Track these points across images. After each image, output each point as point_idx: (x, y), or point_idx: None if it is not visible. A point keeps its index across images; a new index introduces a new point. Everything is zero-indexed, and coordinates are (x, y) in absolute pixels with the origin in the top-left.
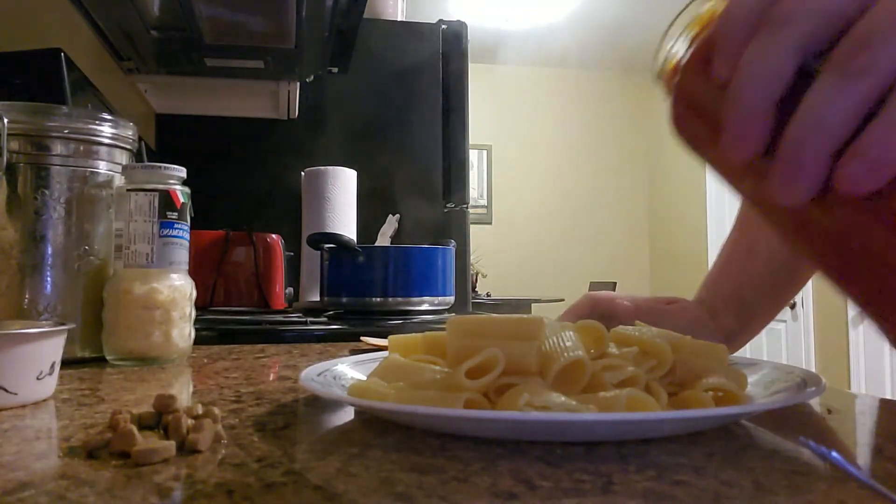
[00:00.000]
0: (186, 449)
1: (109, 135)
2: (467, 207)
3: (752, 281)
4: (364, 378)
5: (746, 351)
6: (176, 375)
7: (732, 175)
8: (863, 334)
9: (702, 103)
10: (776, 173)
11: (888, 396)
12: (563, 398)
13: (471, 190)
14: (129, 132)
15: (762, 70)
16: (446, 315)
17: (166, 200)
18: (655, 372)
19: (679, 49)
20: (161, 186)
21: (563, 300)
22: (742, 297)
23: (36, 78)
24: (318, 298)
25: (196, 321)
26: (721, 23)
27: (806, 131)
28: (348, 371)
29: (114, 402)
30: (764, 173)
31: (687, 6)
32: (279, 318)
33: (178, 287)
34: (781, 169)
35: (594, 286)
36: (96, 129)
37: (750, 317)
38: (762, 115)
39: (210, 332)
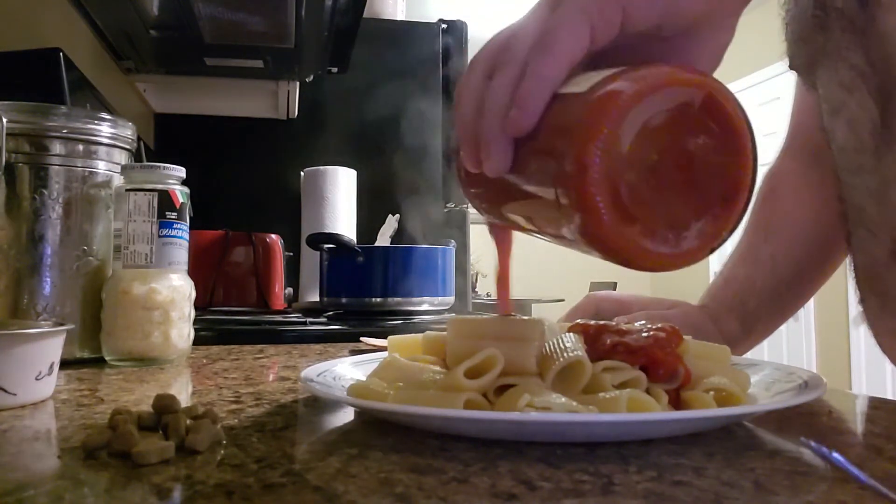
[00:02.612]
0: (186, 449)
1: (108, 135)
2: (467, 207)
3: (755, 291)
4: (364, 378)
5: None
6: (175, 376)
7: (484, 195)
8: (864, 335)
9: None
10: (481, 153)
11: (889, 397)
12: (563, 399)
13: None
14: (128, 132)
15: (462, 98)
16: (446, 315)
17: (165, 200)
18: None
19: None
20: (160, 186)
21: (563, 300)
22: (745, 305)
23: (35, 78)
24: (317, 298)
25: (195, 321)
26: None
27: (485, 113)
28: (348, 371)
29: (113, 402)
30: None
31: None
32: (278, 318)
33: (177, 287)
34: (481, 147)
35: (594, 286)
36: (95, 129)
37: (753, 324)
38: (469, 125)
39: (209, 332)
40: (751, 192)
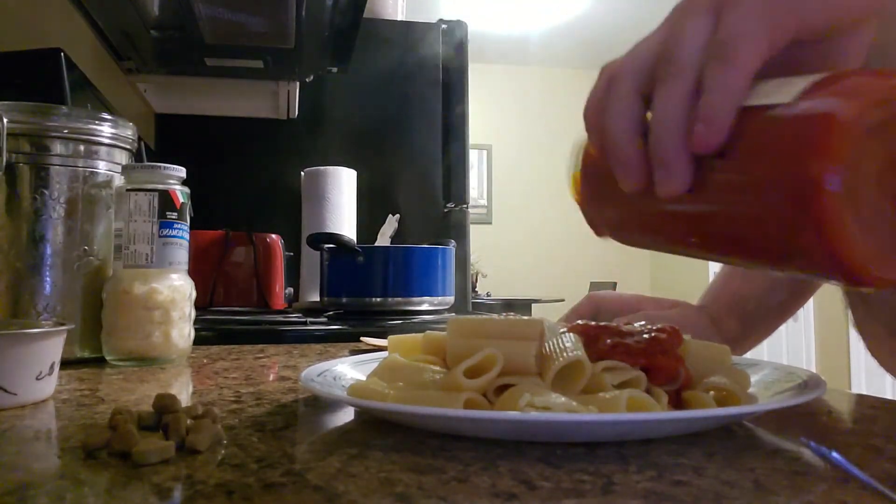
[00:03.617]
0: (186, 449)
1: (109, 135)
2: (467, 207)
3: (754, 291)
4: (364, 378)
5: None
6: (175, 376)
7: (639, 217)
8: None
9: (599, 181)
10: (656, 175)
11: (889, 396)
12: (563, 399)
13: (471, 190)
14: (129, 132)
15: (613, 116)
16: (446, 315)
17: (166, 200)
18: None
19: (574, 164)
20: (160, 186)
21: (563, 300)
22: (744, 305)
23: (36, 78)
24: (317, 298)
25: (196, 321)
26: (585, 115)
27: (657, 128)
28: (348, 371)
29: (113, 402)
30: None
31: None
32: (279, 318)
33: (177, 287)
34: (656, 167)
35: (594, 286)
36: (96, 129)
37: (752, 324)
38: (628, 144)
39: (210, 332)
40: None
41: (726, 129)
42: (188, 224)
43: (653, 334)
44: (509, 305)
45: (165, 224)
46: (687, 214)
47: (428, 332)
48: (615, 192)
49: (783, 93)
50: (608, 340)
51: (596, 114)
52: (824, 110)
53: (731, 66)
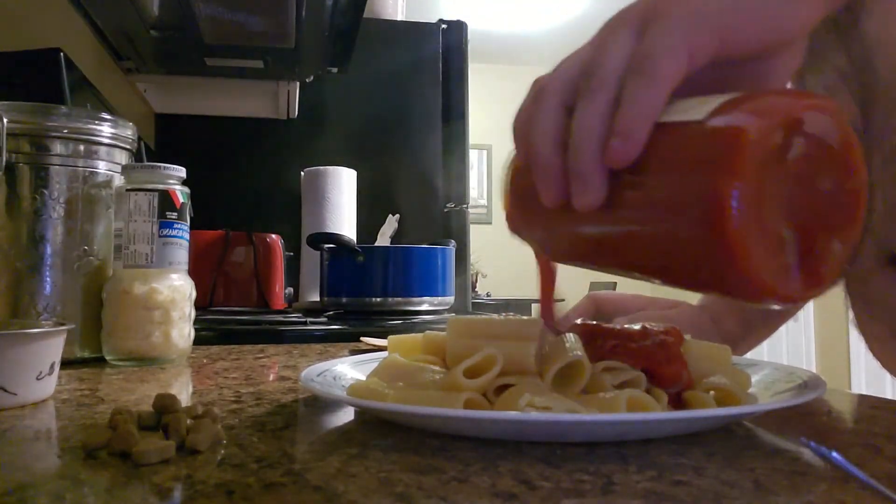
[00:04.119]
0: (186, 449)
1: (109, 135)
2: (467, 207)
3: None
4: (364, 378)
5: None
6: (175, 376)
7: (561, 233)
8: None
9: (526, 195)
10: (572, 187)
11: (889, 396)
12: (563, 399)
13: (471, 190)
14: (129, 132)
15: (537, 128)
16: (446, 315)
17: (166, 200)
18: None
19: (504, 180)
20: (160, 186)
21: (563, 300)
22: (744, 306)
23: (35, 78)
24: (317, 298)
25: (196, 321)
26: (513, 127)
27: (575, 141)
28: (348, 371)
29: (113, 402)
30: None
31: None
32: (279, 318)
33: (177, 287)
34: (573, 180)
35: (594, 286)
36: (96, 129)
37: (752, 325)
38: (549, 157)
39: (210, 332)
40: (866, 199)
41: (640, 143)
42: (188, 224)
43: (659, 338)
44: (509, 305)
45: (165, 224)
46: (604, 229)
47: (428, 332)
48: (540, 206)
49: (697, 110)
50: (609, 342)
51: (522, 126)
52: (730, 127)
53: (648, 80)
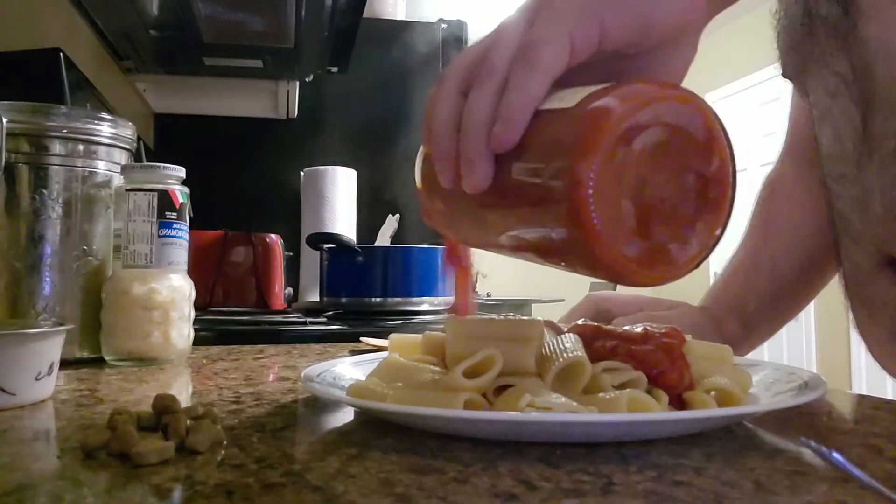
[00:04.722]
0: (185, 450)
1: (108, 134)
2: None
3: (755, 293)
4: (363, 378)
5: None
6: (175, 376)
7: (458, 214)
8: None
9: (431, 179)
10: (461, 170)
11: (889, 397)
12: (563, 399)
13: None
14: (128, 132)
15: (435, 114)
16: (446, 315)
17: (165, 200)
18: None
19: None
20: (160, 186)
21: (563, 300)
22: (745, 306)
23: (35, 77)
24: (317, 298)
25: (195, 321)
26: (423, 114)
27: (464, 126)
28: (348, 371)
29: (112, 402)
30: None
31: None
32: (278, 318)
33: (176, 287)
34: (462, 163)
35: (595, 287)
36: (95, 129)
37: (753, 326)
38: (444, 141)
39: (209, 332)
40: (734, 190)
41: (521, 128)
42: (187, 224)
43: (661, 341)
44: (510, 305)
45: (165, 224)
46: (490, 211)
47: (427, 332)
48: (444, 192)
49: (571, 98)
50: (609, 343)
51: (426, 111)
52: (592, 111)
53: (530, 68)
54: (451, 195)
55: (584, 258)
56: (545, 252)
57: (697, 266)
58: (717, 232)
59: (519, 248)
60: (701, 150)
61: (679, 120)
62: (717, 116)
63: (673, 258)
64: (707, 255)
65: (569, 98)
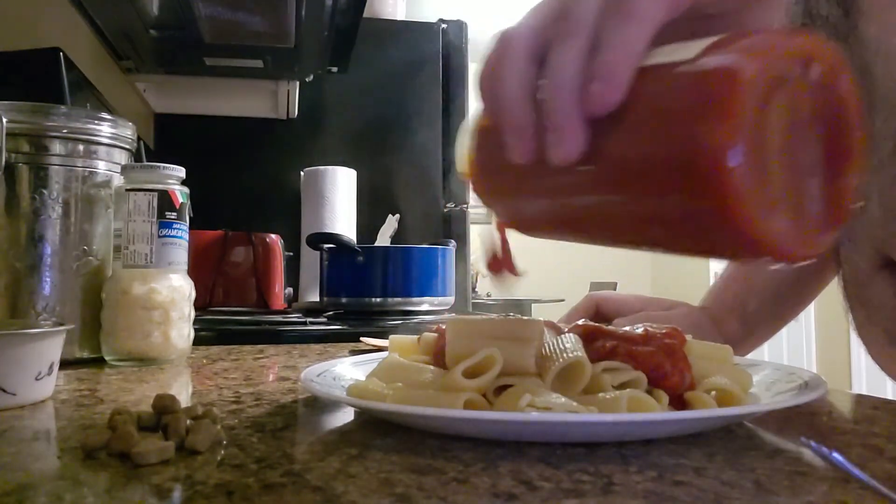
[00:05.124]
0: (185, 450)
1: (108, 134)
2: (467, 207)
3: (755, 292)
4: (363, 378)
5: None
6: (175, 376)
7: (532, 195)
8: None
9: (492, 156)
10: (548, 138)
11: (889, 397)
12: (563, 399)
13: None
14: (128, 132)
15: (504, 79)
16: (446, 315)
17: (165, 200)
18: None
19: (465, 144)
20: (160, 186)
21: (563, 300)
22: (745, 306)
23: (35, 78)
24: (317, 298)
25: (195, 321)
26: (478, 81)
27: (550, 88)
28: (348, 371)
29: (113, 402)
30: (544, 158)
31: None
32: (278, 318)
33: (177, 287)
34: (549, 130)
35: (595, 286)
36: (95, 129)
37: (754, 326)
38: (519, 108)
39: (209, 332)
40: (863, 134)
41: (623, 86)
42: (187, 224)
43: (663, 342)
44: (510, 305)
45: (165, 224)
46: (581, 188)
47: (425, 333)
48: (510, 169)
49: (684, 51)
50: (610, 343)
51: (488, 80)
52: (724, 67)
53: (630, 20)
54: (522, 173)
55: (721, 236)
56: (654, 234)
57: (838, 231)
58: (856, 182)
59: (613, 232)
60: (832, 98)
61: (811, 68)
62: (841, 55)
63: (818, 221)
64: (849, 215)
65: (677, 52)
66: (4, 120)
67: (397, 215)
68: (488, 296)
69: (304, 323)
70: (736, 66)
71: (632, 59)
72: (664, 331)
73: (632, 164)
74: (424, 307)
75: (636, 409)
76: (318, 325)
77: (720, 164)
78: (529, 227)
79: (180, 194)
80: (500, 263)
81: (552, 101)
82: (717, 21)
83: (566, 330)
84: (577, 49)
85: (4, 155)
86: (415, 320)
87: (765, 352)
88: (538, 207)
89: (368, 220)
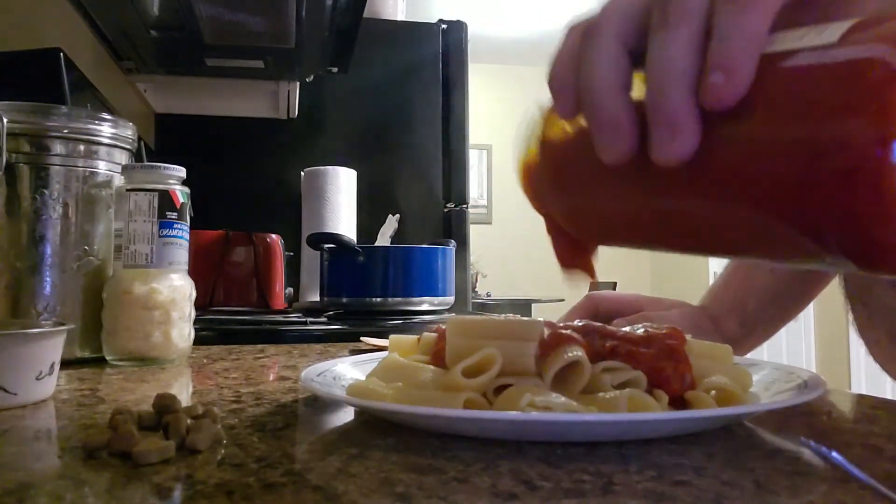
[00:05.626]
0: (186, 449)
1: (109, 135)
2: (467, 207)
3: (755, 291)
4: (364, 378)
5: None
6: (175, 376)
7: (617, 199)
8: None
9: (565, 158)
10: (657, 134)
11: (889, 396)
12: (563, 398)
13: (471, 190)
14: (129, 132)
15: (595, 70)
16: (446, 315)
17: (166, 200)
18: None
19: (527, 141)
20: (160, 186)
21: (563, 300)
22: (745, 306)
23: (35, 78)
24: (317, 298)
25: (196, 321)
26: (552, 75)
27: (658, 79)
28: (348, 371)
29: (113, 402)
30: (646, 160)
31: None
32: (279, 318)
33: (177, 287)
34: (658, 126)
35: (594, 286)
36: (96, 129)
37: (753, 325)
38: (616, 102)
39: (210, 332)
40: None
41: (748, 78)
42: (188, 224)
43: (664, 343)
44: (510, 305)
45: (165, 224)
46: (681, 188)
47: (425, 333)
48: (586, 170)
49: (814, 37)
50: (610, 343)
51: (569, 72)
52: (882, 55)
53: (748, 4)
54: (606, 179)
55: (848, 244)
56: (757, 238)
57: None
58: None
59: (725, 238)
60: None
61: None
62: None
63: None
64: None
65: (805, 38)
66: (5, 120)
67: (397, 215)
68: (488, 295)
69: (305, 323)
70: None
71: (755, 48)
72: (664, 331)
73: (755, 163)
74: (424, 307)
75: (636, 408)
76: (319, 324)
77: (876, 162)
78: (604, 237)
79: (181, 194)
80: (575, 261)
81: (661, 92)
82: (824, 6)
83: (565, 328)
84: (688, 36)
85: (5, 155)
86: (415, 320)
87: (764, 352)
88: (621, 214)
89: (368, 220)
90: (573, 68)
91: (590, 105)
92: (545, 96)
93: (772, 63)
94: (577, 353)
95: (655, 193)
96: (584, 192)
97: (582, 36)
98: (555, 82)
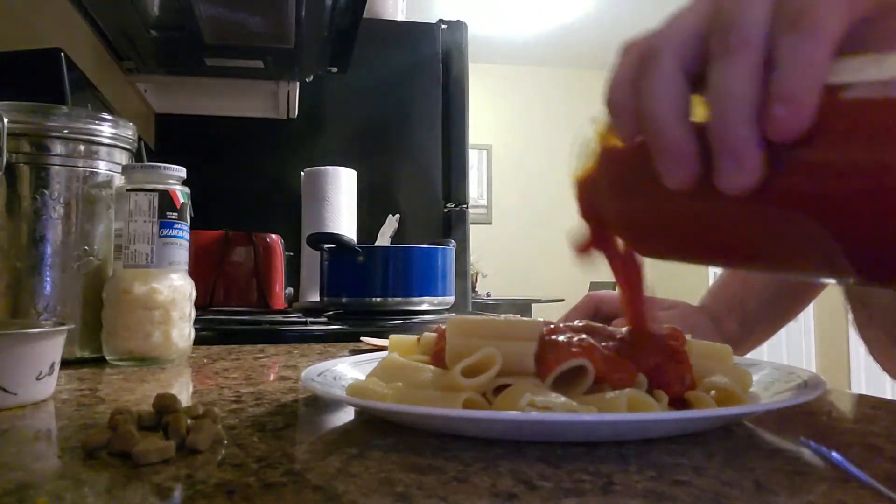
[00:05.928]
0: (186, 449)
1: (109, 135)
2: (467, 207)
3: (754, 292)
4: (364, 378)
5: None
6: (176, 376)
7: (678, 221)
8: None
9: (623, 179)
10: (722, 164)
11: (889, 396)
12: (563, 398)
13: (471, 190)
14: (129, 132)
15: (656, 96)
16: (446, 315)
17: (166, 200)
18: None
19: (583, 154)
20: (161, 186)
21: (563, 300)
22: (744, 306)
23: (35, 78)
24: (317, 298)
25: (196, 321)
26: (607, 98)
27: (723, 108)
28: (348, 371)
29: (113, 402)
30: (710, 186)
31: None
32: (279, 318)
33: (177, 287)
34: (723, 156)
35: (595, 286)
36: (96, 129)
37: (753, 325)
38: (679, 129)
39: (210, 332)
40: None
41: (813, 110)
42: (188, 224)
43: (667, 343)
44: (510, 305)
45: (165, 224)
46: (746, 216)
47: (425, 333)
48: (646, 188)
49: (876, 69)
50: (609, 344)
51: (628, 96)
52: None
53: (811, 34)
54: (665, 201)
55: None
56: (808, 259)
57: None
58: None
59: (784, 261)
60: None
61: None
62: None
63: None
64: None
65: (866, 69)
66: (5, 120)
67: (397, 215)
68: (488, 295)
69: (305, 323)
70: None
71: (818, 79)
72: (663, 330)
73: (818, 185)
74: (424, 307)
75: (636, 408)
76: (319, 324)
77: None
78: (663, 253)
79: (181, 194)
80: (638, 310)
81: (726, 122)
82: (872, 26)
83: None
84: (750, 66)
85: (6, 155)
86: (415, 320)
87: (764, 352)
88: (680, 234)
89: (368, 220)
90: (632, 92)
91: (653, 133)
92: (600, 111)
93: (834, 94)
94: (580, 361)
95: (715, 213)
96: (644, 207)
97: (640, 59)
98: (614, 106)
